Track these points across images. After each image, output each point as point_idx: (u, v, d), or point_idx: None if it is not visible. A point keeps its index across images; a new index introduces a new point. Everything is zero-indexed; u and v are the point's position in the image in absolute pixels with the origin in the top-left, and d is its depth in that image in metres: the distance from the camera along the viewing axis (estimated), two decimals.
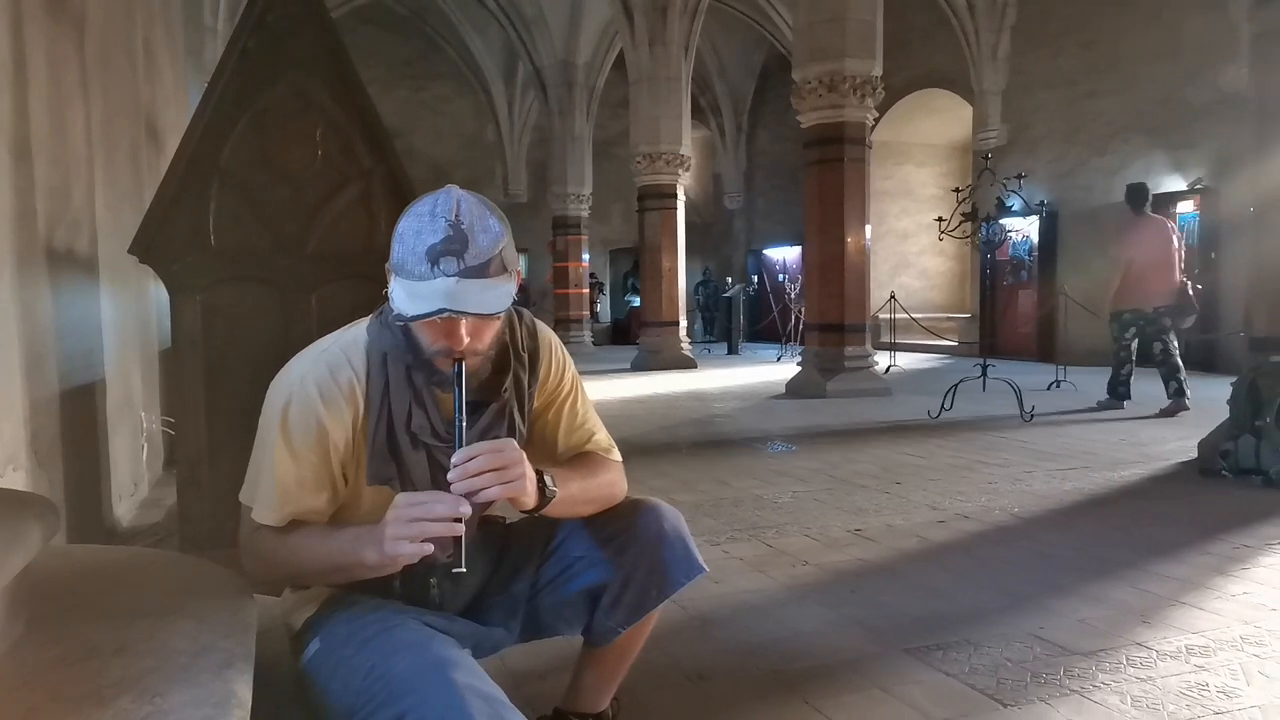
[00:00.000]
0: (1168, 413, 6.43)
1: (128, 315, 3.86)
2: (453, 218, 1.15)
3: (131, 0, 4.26)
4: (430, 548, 1.11)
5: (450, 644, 1.21)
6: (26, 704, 0.88)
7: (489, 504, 1.38)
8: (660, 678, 1.99)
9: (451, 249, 1.14)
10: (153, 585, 1.32)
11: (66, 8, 2.88)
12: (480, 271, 1.15)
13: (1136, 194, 6.72)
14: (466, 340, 1.20)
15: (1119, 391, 6.84)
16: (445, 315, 1.15)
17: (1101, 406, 6.87)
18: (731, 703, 1.88)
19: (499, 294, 1.18)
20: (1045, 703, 1.85)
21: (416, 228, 1.16)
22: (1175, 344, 6.56)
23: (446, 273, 1.13)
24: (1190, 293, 6.50)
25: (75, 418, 2.80)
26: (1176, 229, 6.88)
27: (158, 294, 4.26)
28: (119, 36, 3.88)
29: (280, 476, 1.27)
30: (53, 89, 2.65)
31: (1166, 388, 6.58)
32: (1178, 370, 6.50)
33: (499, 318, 1.23)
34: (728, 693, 1.93)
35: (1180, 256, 6.63)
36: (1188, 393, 6.48)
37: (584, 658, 1.60)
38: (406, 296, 1.16)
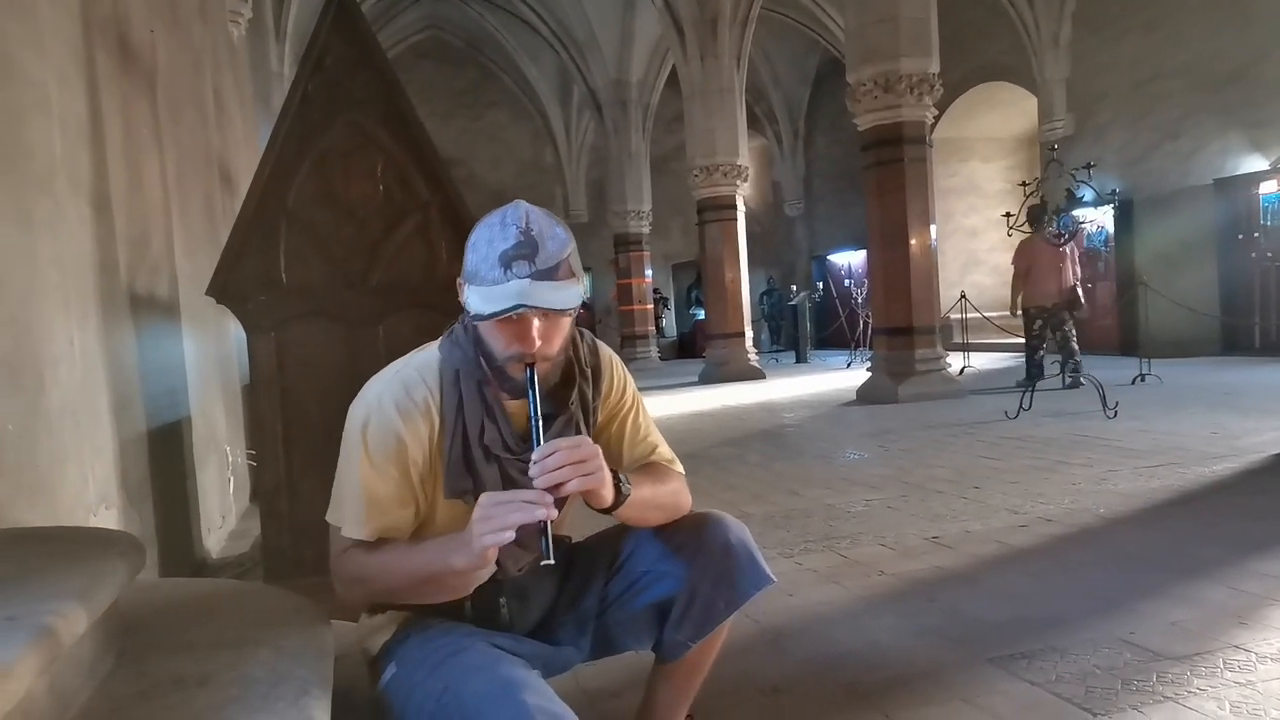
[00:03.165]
0: (1070, 386, 7.93)
1: (209, 354, 4.02)
2: (523, 225, 1.22)
3: (200, 52, 4.46)
4: (510, 535, 1.13)
5: (519, 665, 1.23)
6: None
7: (564, 513, 1.41)
8: (734, 692, 1.98)
9: (523, 253, 1.20)
10: (234, 616, 1.36)
11: (138, 65, 3.03)
12: (550, 274, 1.21)
13: (1037, 215, 8.30)
14: (539, 343, 1.24)
15: (1032, 372, 8.13)
16: (520, 311, 1.19)
17: (1019, 385, 7.84)
18: (808, 716, 1.86)
19: (570, 294, 1.23)
20: (1137, 710, 1.78)
21: (489, 236, 1.23)
22: (1073, 332, 8.18)
23: (519, 275, 1.19)
24: (1079, 293, 8.25)
25: (163, 455, 2.92)
26: (1073, 243, 8.43)
27: (237, 332, 4.42)
28: (189, 88, 4.06)
29: (366, 490, 1.30)
30: (128, 143, 2.78)
31: (1063, 368, 8.09)
32: (1073, 354, 8.08)
33: (568, 319, 1.29)
34: (804, 706, 1.91)
35: (1075, 264, 8.29)
36: (1082, 372, 7.74)
37: (655, 674, 1.60)
38: (481, 300, 1.21)
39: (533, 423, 1.23)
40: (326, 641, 1.26)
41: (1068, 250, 8.19)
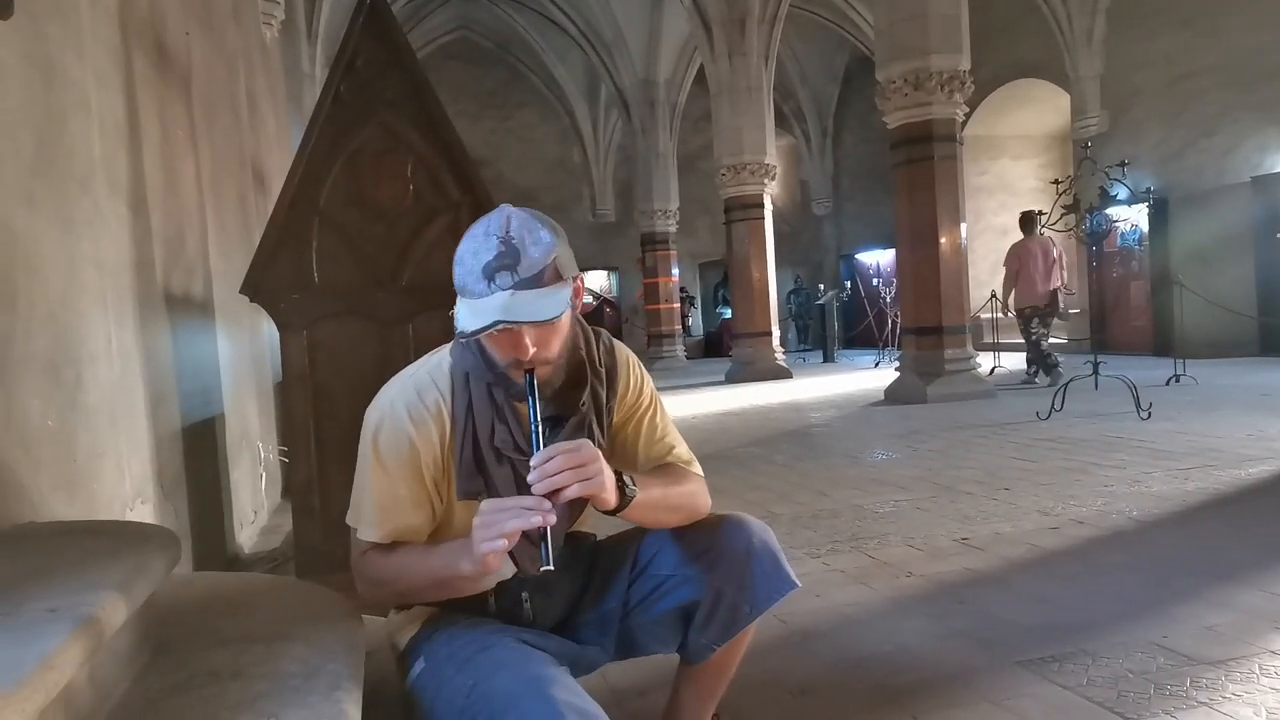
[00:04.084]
0: (1030, 380, 8.76)
1: (242, 352, 4.08)
2: (504, 234, 1.21)
3: (233, 55, 4.52)
4: (504, 543, 1.13)
5: (549, 661, 1.24)
6: None
7: (579, 513, 1.41)
8: (762, 693, 1.97)
9: (505, 264, 1.19)
10: (267, 610, 1.39)
11: (174, 67, 3.08)
12: (534, 282, 1.19)
13: (1027, 221, 8.90)
14: (532, 350, 1.23)
15: (1046, 364, 8.67)
16: (501, 327, 1.18)
17: (1024, 383, 8.77)
18: (835, 718, 1.85)
19: (554, 301, 1.20)
20: (1170, 715, 1.76)
21: (473, 248, 1.22)
22: (1047, 334, 8.84)
23: (502, 287, 1.18)
24: (1059, 298, 8.76)
25: (197, 451, 2.96)
26: (1057, 245, 8.88)
27: (270, 331, 4.48)
28: (223, 90, 4.11)
29: (378, 495, 1.33)
30: (164, 145, 2.83)
31: (1031, 363, 8.85)
32: (1043, 355, 8.72)
33: (560, 324, 1.26)
34: (831, 707, 1.91)
35: (1062, 268, 8.77)
36: (1039, 372, 8.73)
37: (681, 675, 1.60)
38: (468, 314, 1.20)
39: (532, 427, 1.22)
40: (358, 636, 1.28)
41: (1056, 254, 8.73)
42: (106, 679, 1.00)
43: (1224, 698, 1.82)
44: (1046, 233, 8.73)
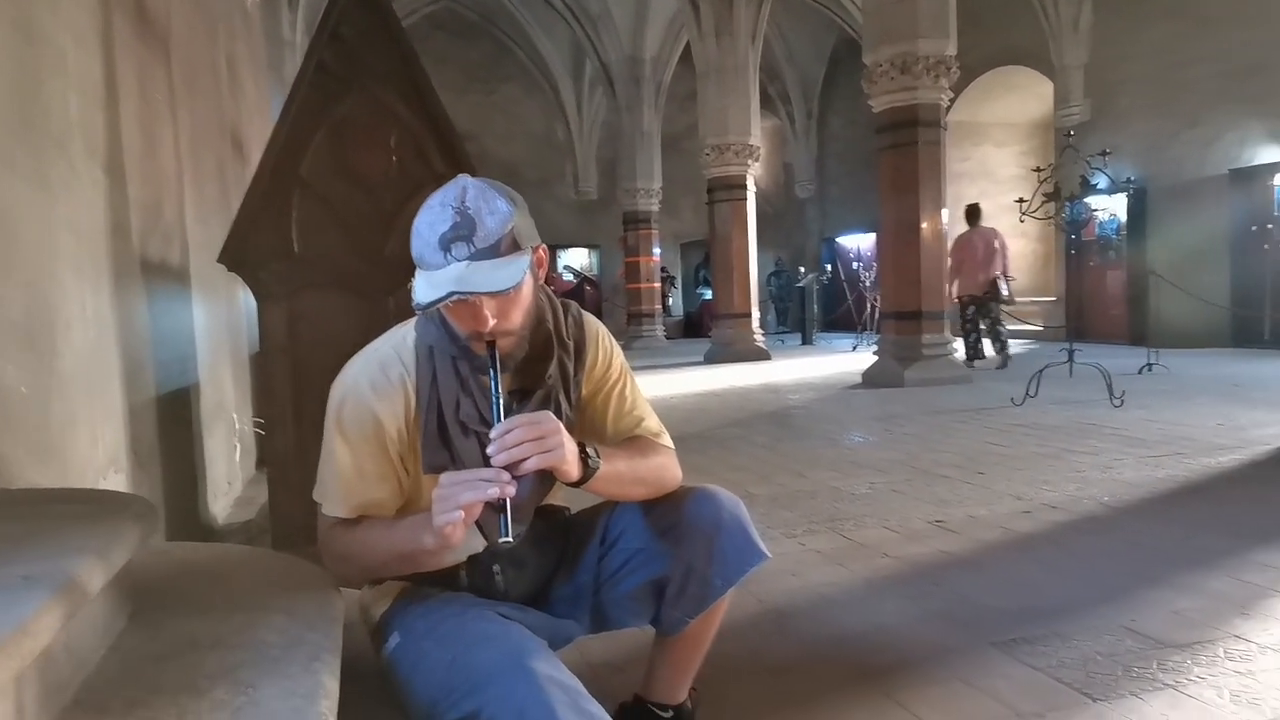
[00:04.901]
0: (1001, 366, 8.95)
1: (219, 322, 4.03)
2: (459, 204, 1.19)
3: (213, 19, 4.44)
4: (460, 515, 1.13)
5: (528, 635, 1.24)
6: (128, 696, 0.93)
7: (549, 487, 1.40)
8: (738, 670, 1.99)
9: (460, 234, 1.18)
10: (246, 581, 1.38)
11: (153, 30, 3.02)
12: (491, 252, 1.18)
13: (972, 214, 9.41)
14: (492, 321, 1.22)
15: (968, 354, 9.27)
16: (455, 298, 1.17)
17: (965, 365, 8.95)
18: (811, 695, 1.87)
19: (511, 270, 1.19)
20: (1137, 697, 1.79)
21: (429, 220, 1.21)
22: (1000, 317, 9.24)
23: (458, 258, 1.17)
24: (1001, 285, 9.10)
25: (172, 421, 2.93)
26: (999, 236, 9.31)
27: (246, 301, 4.43)
28: (203, 55, 4.04)
29: (341, 470, 1.32)
30: (143, 108, 2.77)
31: (995, 346, 9.27)
32: (999, 336, 9.23)
33: (520, 294, 1.24)
34: (807, 686, 1.92)
35: (1004, 258, 9.18)
36: (978, 358, 9.33)
37: (657, 648, 1.61)
38: (424, 285, 1.19)
39: (493, 399, 1.22)
40: (337, 608, 1.27)
41: (998, 245, 9.21)
42: (82, 647, 0.99)
43: (1189, 680, 1.85)
44: (1029, 223, 8.78)
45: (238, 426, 4.20)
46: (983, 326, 9.37)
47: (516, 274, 1.19)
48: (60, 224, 1.93)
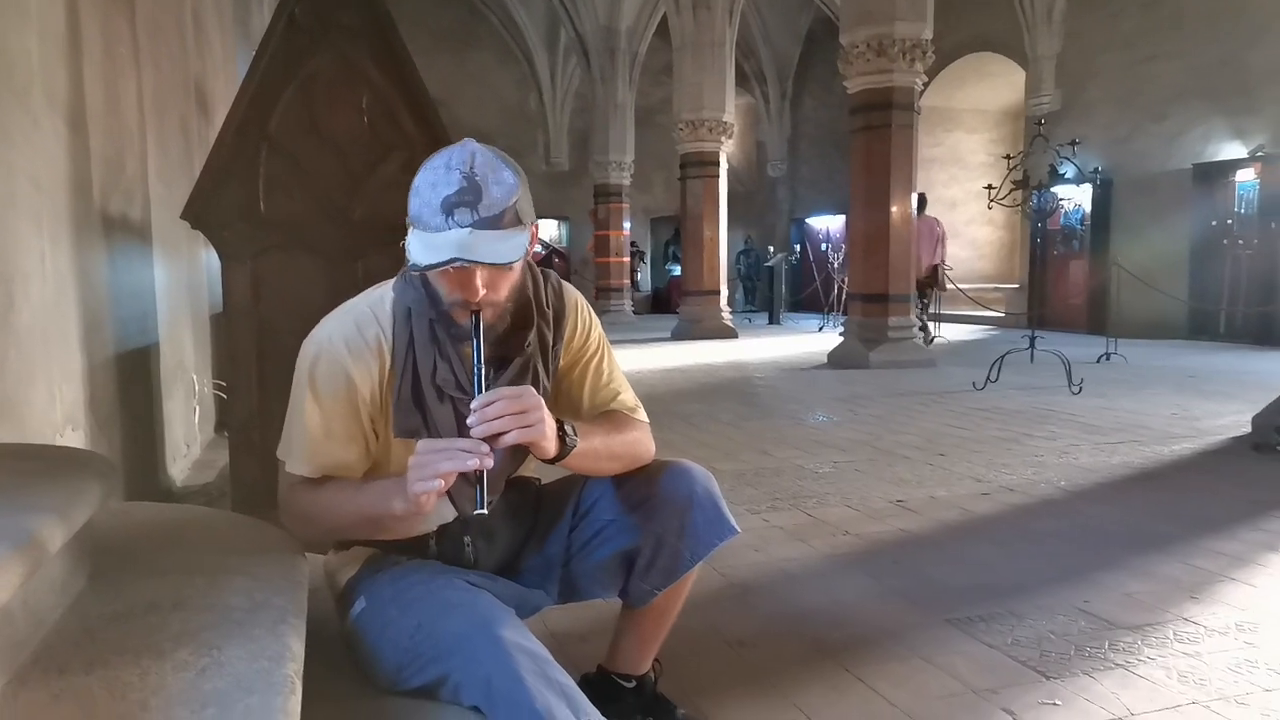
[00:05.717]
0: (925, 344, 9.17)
1: (179, 281, 3.95)
2: (467, 169, 1.16)
3: None
4: (439, 484, 1.12)
5: (496, 603, 1.23)
6: (89, 657, 0.92)
7: (521, 459, 1.39)
8: (701, 644, 2.01)
9: (465, 200, 1.15)
10: (209, 543, 1.36)
11: None
12: (494, 223, 1.15)
13: (920, 202, 9.01)
14: (482, 291, 1.20)
15: (923, 329, 9.33)
16: (458, 265, 1.15)
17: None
18: (773, 669, 1.90)
19: (512, 245, 1.17)
20: (1089, 675, 1.83)
21: (432, 180, 1.17)
22: (928, 304, 9.88)
23: (460, 224, 1.14)
24: (940, 273, 9.71)
25: (131, 380, 2.88)
26: (941, 226, 9.86)
27: (208, 260, 4.34)
28: (169, 9, 3.93)
29: (309, 428, 1.29)
30: (106, 61, 2.69)
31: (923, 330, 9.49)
32: (924, 326, 9.48)
33: (513, 269, 1.23)
34: (769, 659, 1.95)
35: (943, 246, 9.74)
36: (930, 339, 9.65)
37: (623, 619, 1.61)
38: (422, 247, 1.17)
39: (475, 370, 1.20)
40: (302, 572, 1.26)
41: (939, 232, 9.66)
42: (41, 605, 0.97)
43: (1139, 660, 1.90)
44: (995, 210, 8.94)
45: (197, 388, 4.13)
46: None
47: (518, 249, 1.18)
48: (20, 175, 1.87)
